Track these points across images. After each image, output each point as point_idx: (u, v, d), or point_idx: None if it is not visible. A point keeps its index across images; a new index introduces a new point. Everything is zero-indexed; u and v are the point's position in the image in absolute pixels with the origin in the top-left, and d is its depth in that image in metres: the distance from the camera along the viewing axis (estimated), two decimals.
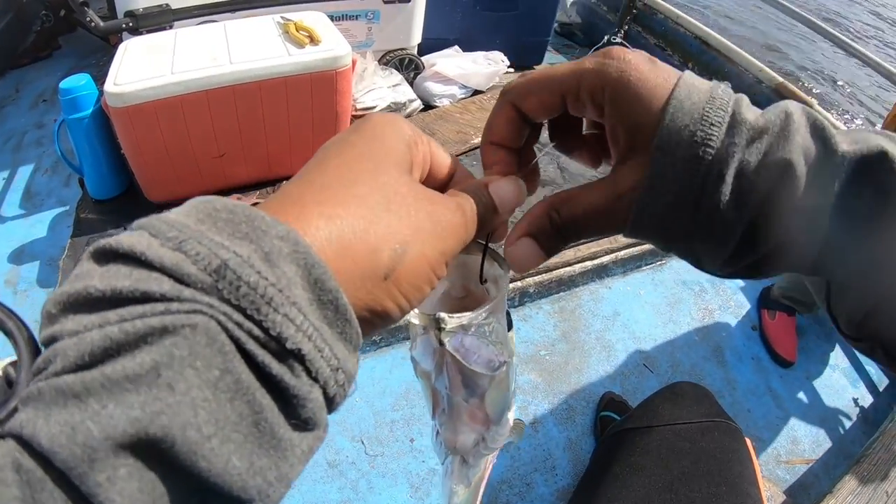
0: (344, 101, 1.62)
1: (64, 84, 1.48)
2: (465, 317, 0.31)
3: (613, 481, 0.75)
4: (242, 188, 1.69)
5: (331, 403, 0.21)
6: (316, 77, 1.51)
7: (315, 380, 0.20)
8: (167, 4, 1.72)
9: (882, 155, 0.26)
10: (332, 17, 1.71)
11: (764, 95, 2.28)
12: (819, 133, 0.27)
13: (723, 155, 0.26)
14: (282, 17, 1.61)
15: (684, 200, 0.26)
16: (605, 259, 1.74)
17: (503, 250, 0.31)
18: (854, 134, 0.28)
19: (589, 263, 1.71)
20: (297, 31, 1.53)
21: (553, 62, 2.78)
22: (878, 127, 1.17)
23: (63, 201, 1.96)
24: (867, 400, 1.63)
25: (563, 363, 1.57)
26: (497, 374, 0.33)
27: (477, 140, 1.96)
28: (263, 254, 0.19)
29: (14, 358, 0.20)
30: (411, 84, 2.15)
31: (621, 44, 2.80)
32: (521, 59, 2.46)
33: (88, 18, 1.72)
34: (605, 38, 2.77)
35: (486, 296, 0.34)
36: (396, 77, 2.04)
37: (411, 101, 2.05)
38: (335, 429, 1.34)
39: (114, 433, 0.16)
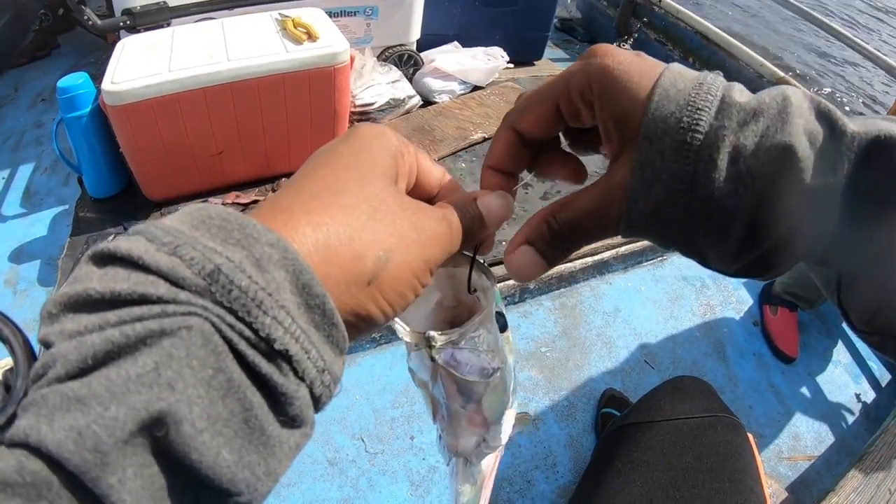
0: (342, 97, 1.61)
1: (62, 83, 1.48)
2: (453, 333, 0.32)
3: (616, 477, 0.75)
4: (241, 185, 1.68)
5: (317, 403, 0.22)
6: (314, 74, 1.50)
7: (302, 379, 0.21)
8: (164, 2, 1.71)
9: (894, 136, 0.25)
10: (329, 14, 1.70)
11: None
12: (824, 115, 0.26)
13: (712, 139, 0.25)
14: (279, 14, 1.60)
15: (676, 191, 0.25)
16: (606, 255, 1.73)
17: (504, 259, 0.31)
18: (861, 119, 0.26)
19: (589, 259, 1.71)
20: (295, 27, 1.52)
21: (553, 58, 2.78)
22: None
23: (62, 200, 1.96)
24: (869, 396, 1.62)
25: (564, 360, 1.57)
26: (491, 381, 0.34)
27: (476, 136, 1.95)
28: (254, 259, 0.20)
29: (8, 361, 0.20)
30: (410, 80, 2.15)
31: (626, 40, 2.80)
32: (521, 54, 2.46)
33: (86, 17, 1.72)
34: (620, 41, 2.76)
35: (476, 304, 0.35)
36: (395, 73, 2.03)
37: (410, 97, 2.04)
38: (335, 427, 1.34)
39: (120, 434, 0.17)
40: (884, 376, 1.68)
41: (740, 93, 0.26)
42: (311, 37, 1.51)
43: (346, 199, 0.25)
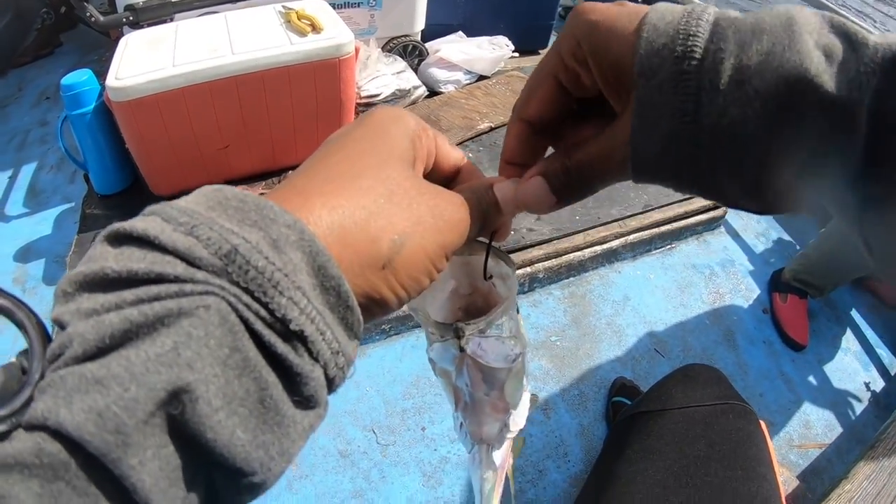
0: (348, 89, 1.60)
1: (66, 80, 1.47)
2: (480, 322, 0.32)
3: (628, 466, 0.74)
4: (247, 179, 1.68)
5: (330, 384, 0.22)
6: (319, 66, 1.49)
7: (316, 360, 0.21)
8: None
9: None
10: (333, 5, 1.70)
11: None
12: (839, 28, 0.24)
13: (711, 64, 0.23)
14: (283, 7, 1.59)
15: (681, 125, 0.24)
16: (615, 243, 1.72)
17: (517, 188, 0.30)
18: (879, 33, 0.24)
19: (598, 248, 1.70)
20: (299, 19, 1.51)
21: None
22: None
23: (68, 198, 1.96)
24: (879, 384, 1.61)
25: (574, 349, 1.56)
26: (514, 367, 0.35)
27: (483, 126, 1.94)
28: (271, 241, 0.20)
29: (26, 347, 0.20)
30: (416, 70, 2.13)
31: None
32: (526, 43, 2.43)
33: (89, 14, 1.71)
34: None
35: (491, 292, 0.35)
36: (400, 64, 2.02)
37: (416, 87, 2.03)
38: (346, 419, 1.34)
39: (141, 415, 0.17)
40: (893, 364, 1.67)
41: (736, 16, 0.24)
42: (315, 28, 1.50)
43: (362, 182, 0.24)
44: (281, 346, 0.20)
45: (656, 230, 1.78)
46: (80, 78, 1.48)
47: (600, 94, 0.29)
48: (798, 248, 1.93)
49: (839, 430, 1.48)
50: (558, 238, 1.62)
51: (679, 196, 1.78)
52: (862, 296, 1.83)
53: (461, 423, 0.41)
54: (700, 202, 1.80)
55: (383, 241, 0.23)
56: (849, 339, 1.72)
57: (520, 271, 1.59)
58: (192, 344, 0.18)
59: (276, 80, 1.47)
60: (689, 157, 0.25)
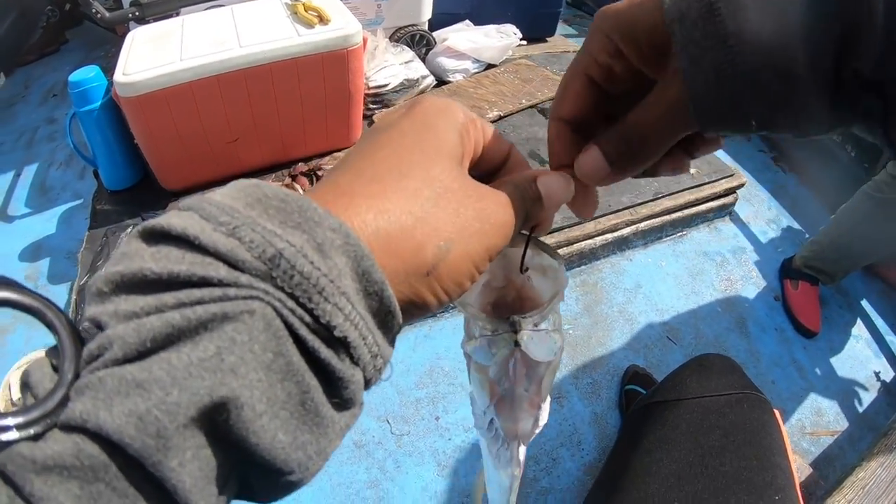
0: (356, 79, 1.60)
1: (73, 77, 1.47)
2: (535, 314, 0.32)
3: (644, 456, 0.74)
4: (258, 172, 1.68)
5: (367, 384, 0.22)
6: (327, 57, 1.48)
7: (356, 364, 0.21)
8: None
9: None
10: None
11: None
12: None
13: None
14: None
15: (728, 52, 0.23)
16: (626, 231, 1.71)
17: (576, 162, 0.30)
18: None
19: (609, 236, 1.69)
20: (306, 11, 1.50)
21: (565, 34, 2.74)
22: None
23: (78, 194, 1.97)
24: (890, 372, 1.60)
25: (587, 337, 1.56)
26: (554, 360, 0.34)
27: (492, 114, 1.93)
28: (316, 244, 0.20)
29: (29, 359, 0.20)
30: (423, 60, 2.12)
31: None
32: (533, 30, 2.41)
33: (94, 10, 1.71)
34: None
35: (526, 285, 0.35)
36: (408, 53, 2.01)
37: (424, 77, 2.01)
38: None
39: (182, 419, 0.17)
40: None
41: None
42: (322, 20, 1.49)
43: (409, 183, 0.24)
44: (324, 352, 0.20)
45: (667, 217, 1.77)
46: (87, 74, 1.48)
47: (633, 88, 0.29)
48: (808, 235, 1.92)
49: (851, 417, 1.48)
50: (569, 226, 1.62)
51: (689, 183, 1.77)
52: (873, 282, 1.82)
53: (491, 420, 0.40)
54: (710, 189, 1.79)
55: (428, 249, 0.23)
56: (860, 327, 1.70)
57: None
58: (236, 349, 0.18)
59: (284, 72, 1.47)
60: (747, 83, 0.24)
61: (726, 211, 1.93)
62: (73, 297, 1.42)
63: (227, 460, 0.19)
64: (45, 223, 1.87)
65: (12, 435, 0.16)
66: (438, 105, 0.28)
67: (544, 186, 0.29)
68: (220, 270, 0.18)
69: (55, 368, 0.19)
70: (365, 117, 1.87)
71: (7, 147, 2.25)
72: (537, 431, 0.40)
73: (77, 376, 0.18)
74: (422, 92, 2.02)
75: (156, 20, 1.66)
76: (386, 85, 1.89)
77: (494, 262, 0.35)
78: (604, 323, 1.60)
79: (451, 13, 2.25)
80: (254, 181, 0.22)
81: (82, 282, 1.42)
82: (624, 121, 0.28)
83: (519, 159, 0.32)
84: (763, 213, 2.01)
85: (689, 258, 1.81)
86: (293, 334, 0.19)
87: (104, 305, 0.19)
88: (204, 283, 0.18)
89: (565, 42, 2.55)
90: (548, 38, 2.52)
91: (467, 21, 2.26)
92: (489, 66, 2.22)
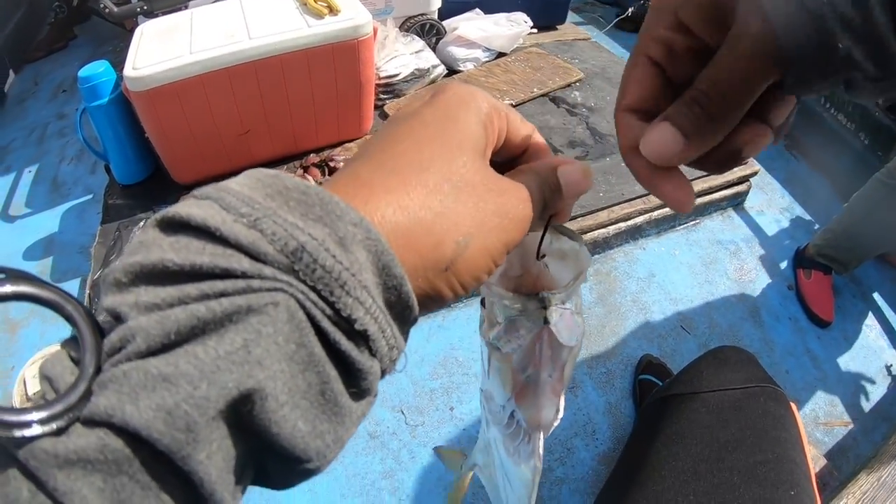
0: (367, 70, 1.59)
1: (83, 72, 1.47)
2: (563, 291, 0.32)
3: (660, 450, 0.74)
4: (269, 164, 1.68)
5: (382, 374, 0.23)
6: (337, 47, 1.48)
7: (374, 355, 0.21)
8: None
9: None
10: None
11: None
12: None
13: None
14: None
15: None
16: (639, 220, 1.70)
17: (641, 143, 0.28)
18: None
19: (622, 225, 1.68)
20: (316, 1, 1.49)
21: (576, 21, 2.73)
22: None
23: (90, 189, 1.98)
24: None
25: (600, 326, 1.56)
26: (576, 345, 0.34)
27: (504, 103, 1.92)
28: (338, 238, 0.20)
29: (45, 353, 0.20)
30: (434, 49, 2.10)
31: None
32: (544, 18, 2.39)
33: (102, 5, 1.71)
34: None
35: (542, 273, 0.34)
36: (418, 43, 1.99)
37: (435, 66, 2.00)
38: (375, 400, 1.35)
39: (211, 413, 0.17)
40: None
41: None
42: (332, 10, 1.48)
43: (429, 176, 0.24)
44: (345, 344, 0.20)
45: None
46: (97, 69, 1.48)
47: (696, 72, 0.26)
48: (821, 223, 1.90)
49: (865, 407, 1.46)
50: (582, 215, 1.61)
51: (699, 172, 1.75)
52: (887, 271, 1.80)
53: (511, 413, 0.40)
54: (723, 177, 1.78)
55: (447, 244, 0.23)
56: (874, 317, 1.69)
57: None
58: (262, 341, 0.18)
59: (294, 63, 1.46)
60: (835, 16, 0.21)
61: (739, 199, 1.91)
62: (87, 291, 1.42)
63: (248, 449, 0.19)
64: (58, 218, 1.88)
65: (35, 430, 0.16)
66: (462, 94, 0.27)
67: (564, 175, 0.29)
68: (242, 262, 0.18)
69: (74, 361, 0.18)
70: (376, 108, 1.86)
71: (18, 143, 2.26)
72: (556, 423, 0.40)
73: (99, 369, 0.18)
74: (433, 82, 2.00)
75: (164, 14, 1.66)
76: (397, 75, 1.88)
77: (513, 252, 0.35)
78: (617, 312, 1.59)
79: (461, 2, 2.22)
80: (272, 171, 0.21)
81: (95, 276, 1.43)
82: (694, 84, 0.25)
83: (541, 144, 0.31)
84: (776, 201, 1.99)
85: (702, 247, 1.80)
86: (315, 326, 0.19)
87: (123, 296, 0.18)
88: (227, 274, 0.18)
89: (575, 30, 2.53)
90: (558, 26, 2.50)
91: (477, 10, 2.24)
92: (500, 55, 2.20)
